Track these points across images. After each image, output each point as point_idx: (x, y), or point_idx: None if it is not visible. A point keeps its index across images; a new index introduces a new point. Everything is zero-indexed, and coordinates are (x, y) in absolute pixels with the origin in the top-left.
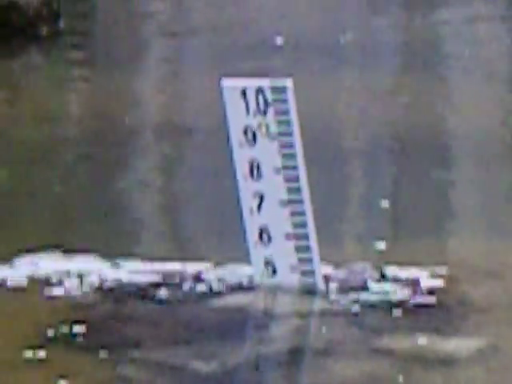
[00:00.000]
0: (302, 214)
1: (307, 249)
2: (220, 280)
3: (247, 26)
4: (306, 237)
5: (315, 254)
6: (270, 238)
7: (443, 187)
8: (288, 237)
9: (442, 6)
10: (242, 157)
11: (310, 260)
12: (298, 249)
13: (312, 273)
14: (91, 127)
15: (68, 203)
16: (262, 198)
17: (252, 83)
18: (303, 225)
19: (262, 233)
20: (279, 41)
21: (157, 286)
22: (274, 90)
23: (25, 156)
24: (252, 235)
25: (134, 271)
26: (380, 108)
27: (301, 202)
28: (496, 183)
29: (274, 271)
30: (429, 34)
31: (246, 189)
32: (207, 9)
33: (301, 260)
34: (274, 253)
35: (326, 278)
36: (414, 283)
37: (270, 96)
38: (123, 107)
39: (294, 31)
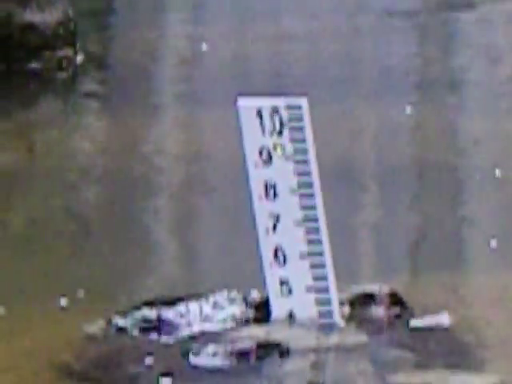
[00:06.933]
0: (318, 235)
1: (323, 271)
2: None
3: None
4: (321, 260)
5: (331, 277)
6: (285, 258)
7: (461, 216)
8: (303, 257)
9: None
10: (257, 177)
11: (325, 286)
12: (313, 269)
13: (328, 299)
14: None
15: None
16: (277, 219)
17: (267, 103)
18: (319, 245)
19: (277, 253)
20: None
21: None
22: (290, 109)
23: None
24: (267, 255)
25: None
26: (399, 134)
27: (316, 221)
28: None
29: (290, 291)
30: None
31: (262, 209)
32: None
33: (316, 282)
34: (289, 273)
35: (341, 308)
36: (427, 318)
37: (285, 115)
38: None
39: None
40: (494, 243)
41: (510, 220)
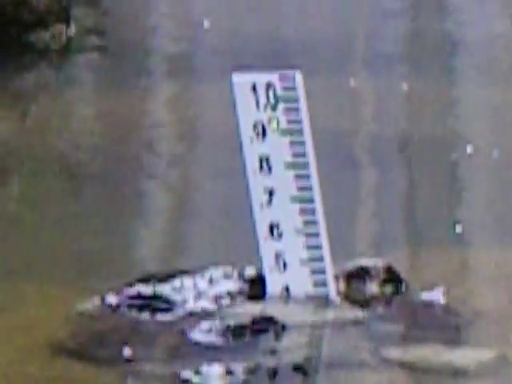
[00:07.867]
0: (313, 209)
1: (318, 246)
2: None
3: None
4: (316, 235)
5: (326, 252)
6: (280, 233)
7: (458, 192)
8: (298, 231)
9: None
10: (251, 152)
11: (320, 261)
12: (308, 244)
13: (323, 274)
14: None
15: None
16: (272, 193)
17: (262, 78)
18: (314, 220)
19: (273, 228)
20: None
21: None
22: (284, 83)
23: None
24: (262, 230)
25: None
26: (393, 107)
27: (311, 195)
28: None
29: (285, 266)
30: None
31: (256, 184)
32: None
33: (311, 257)
34: (284, 247)
35: (337, 283)
36: (423, 293)
37: (279, 90)
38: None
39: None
40: (491, 219)
41: (507, 193)
